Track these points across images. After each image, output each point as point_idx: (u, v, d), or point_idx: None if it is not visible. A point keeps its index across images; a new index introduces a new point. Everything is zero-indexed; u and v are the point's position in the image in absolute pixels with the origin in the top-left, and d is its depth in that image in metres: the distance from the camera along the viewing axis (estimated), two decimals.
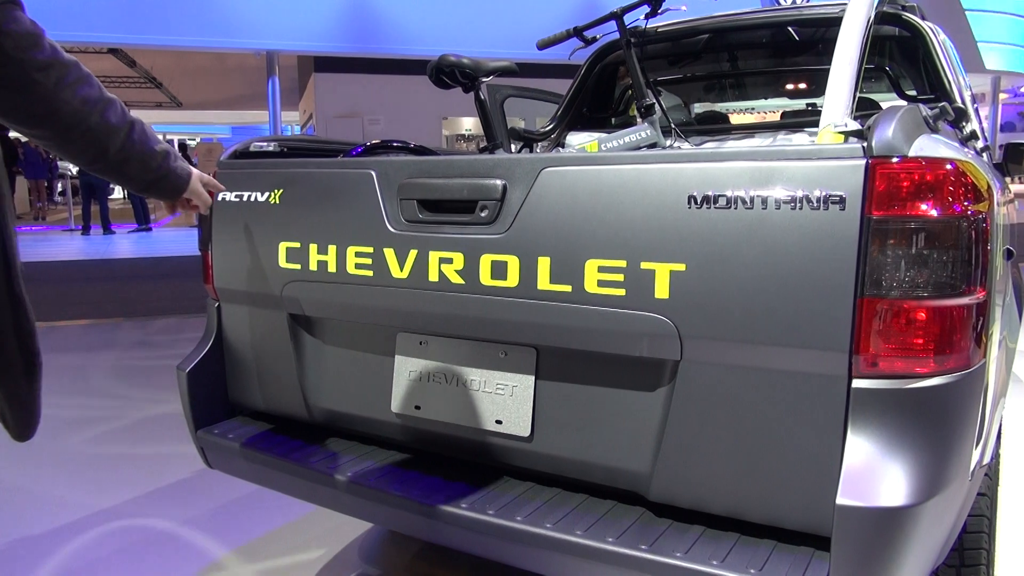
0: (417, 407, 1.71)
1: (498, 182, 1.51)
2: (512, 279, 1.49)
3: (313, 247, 1.77)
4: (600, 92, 3.52)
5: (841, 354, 1.22)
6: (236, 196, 1.93)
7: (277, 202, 1.84)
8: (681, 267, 1.32)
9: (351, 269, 1.71)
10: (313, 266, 1.77)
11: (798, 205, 1.23)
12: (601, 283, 1.40)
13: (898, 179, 1.18)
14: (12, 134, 15.67)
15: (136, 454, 3.28)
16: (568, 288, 1.43)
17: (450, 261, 1.56)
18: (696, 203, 1.31)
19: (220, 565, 2.37)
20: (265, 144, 2.07)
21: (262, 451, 1.84)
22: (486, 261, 1.51)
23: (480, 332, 1.58)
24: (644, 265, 1.35)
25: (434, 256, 1.58)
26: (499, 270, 1.50)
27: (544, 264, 1.45)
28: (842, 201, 1.20)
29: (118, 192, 15.63)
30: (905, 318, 1.21)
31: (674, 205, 1.33)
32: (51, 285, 7.72)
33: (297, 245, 1.80)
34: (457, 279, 1.55)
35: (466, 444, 1.68)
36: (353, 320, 1.79)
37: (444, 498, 1.56)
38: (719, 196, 1.29)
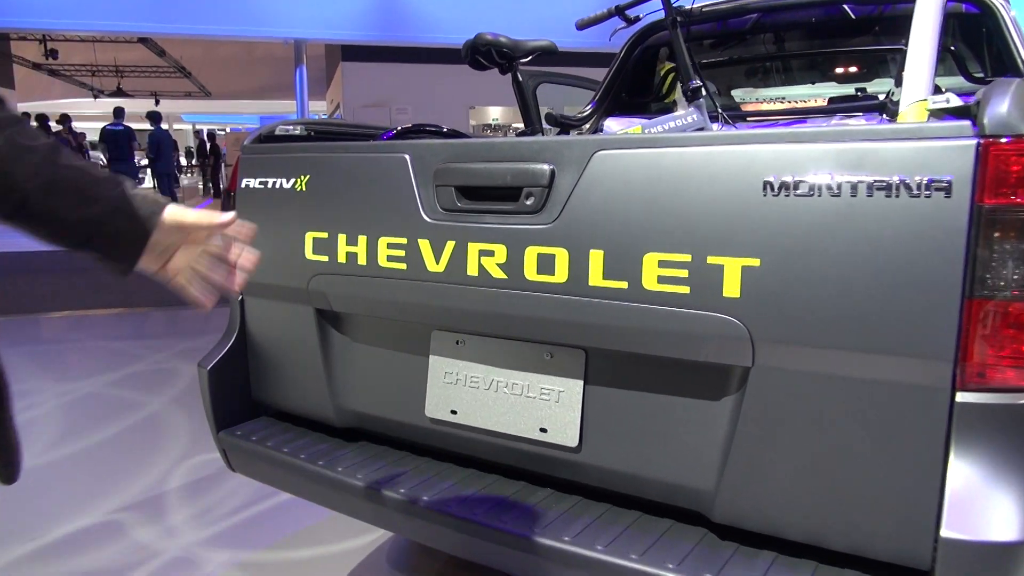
0: (453, 412, 1.58)
1: (545, 167, 1.37)
2: (560, 274, 1.35)
3: (342, 238, 1.64)
4: (640, 76, 3.35)
5: (944, 363, 1.06)
6: (260, 182, 1.81)
7: (303, 189, 1.72)
8: (754, 262, 1.17)
9: (382, 262, 1.58)
10: (341, 258, 1.64)
11: (894, 192, 1.07)
12: (662, 279, 1.25)
13: (1016, 162, 1.02)
14: (51, 125, 15.79)
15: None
16: (623, 285, 1.28)
17: (491, 254, 1.42)
18: (773, 190, 1.15)
19: (245, 564, 2.27)
20: (291, 128, 1.94)
21: (287, 455, 1.72)
22: (531, 254, 1.37)
23: (524, 332, 1.44)
24: (712, 260, 1.20)
25: (473, 248, 1.44)
26: (546, 264, 1.36)
27: (596, 258, 1.31)
28: (948, 187, 1.04)
29: (147, 183, 15.73)
30: (1020, 323, 1.04)
31: (747, 192, 1.18)
32: (81, 274, 7.74)
33: (324, 235, 1.67)
34: (499, 274, 1.41)
35: (506, 453, 1.54)
36: (384, 317, 1.66)
37: (482, 512, 1.43)
38: (800, 182, 1.13)
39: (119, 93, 22.39)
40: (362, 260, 1.61)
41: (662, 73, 3.42)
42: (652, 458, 1.36)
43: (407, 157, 1.55)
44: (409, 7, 13.83)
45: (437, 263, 1.50)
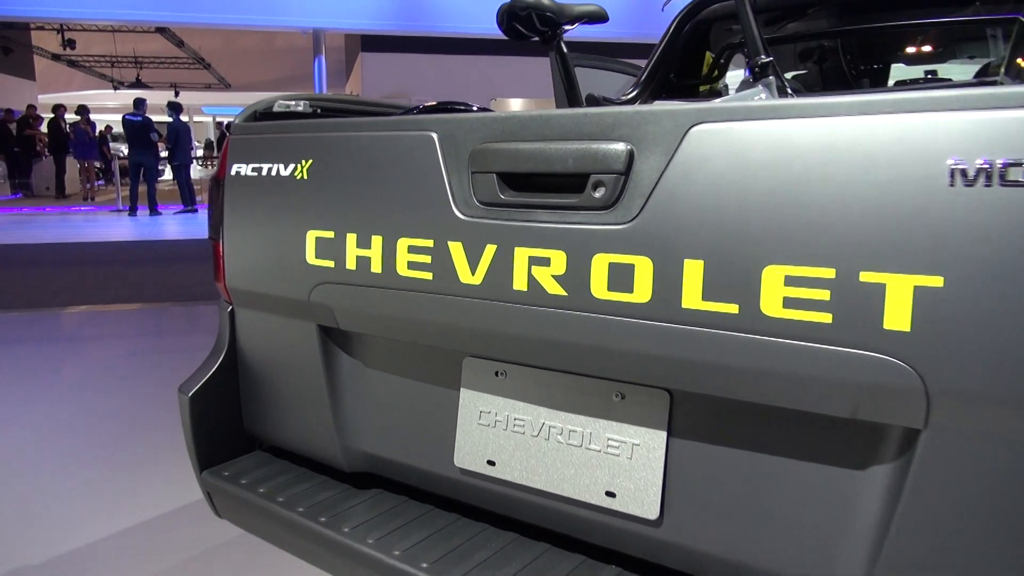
0: (491, 462, 1.24)
1: (621, 147, 1.02)
2: (641, 292, 1.00)
3: (351, 238, 1.30)
4: (689, 55, 2.98)
5: None
6: (254, 169, 1.47)
7: (305, 177, 1.38)
8: (934, 281, 0.81)
9: (402, 269, 1.23)
10: (350, 263, 1.30)
11: None
12: (790, 302, 0.89)
13: None
14: (68, 116, 15.64)
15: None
16: (732, 309, 0.93)
17: (545, 262, 1.07)
18: (966, 178, 0.79)
19: None
20: (292, 103, 1.60)
21: (282, 507, 1.39)
22: (601, 264, 1.02)
23: (587, 365, 1.09)
24: (866, 277, 0.85)
25: (522, 255, 1.10)
26: (621, 278, 1.01)
27: (693, 271, 0.95)
28: None
29: (168, 174, 15.55)
30: None
31: (924, 180, 0.82)
32: (103, 267, 7.49)
33: (330, 235, 1.33)
34: (555, 288, 1.07)
35: (560, 519, 1.20)
36: (403, 339, 1.32)
37: None
38: (1013, 165, 0.77)
39: (138, 84, 22.27)
40: (376, 267, 1.27)
41: (717, 51, 3.06)
42: (761, 542, 1.01)
43: (434, 136, 1.20)
44: None
45: (473, 273, 1.15)
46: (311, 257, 1.37)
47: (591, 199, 1.04)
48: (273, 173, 1.43)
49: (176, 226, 11.46)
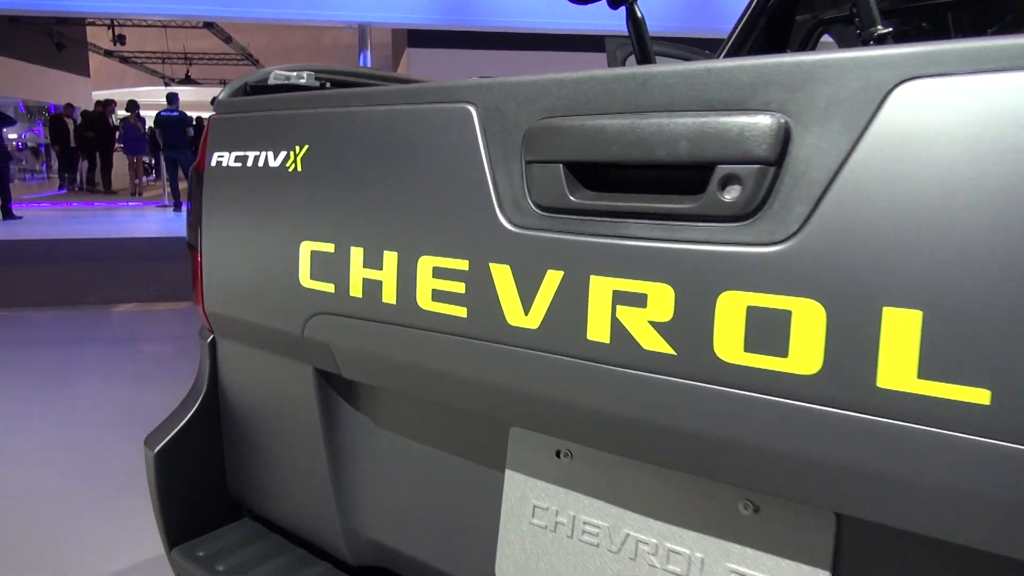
0: None
1: (768, 120, 0.63)
2: (802, 357, 0.61)
3: (355, 254, 0.93)
4: (774, 33, 2.56)
5: None
6: (238, 158, 1.12)
7: (298, 168, 1.02)
8: None
9: (424, 301, 0.86)
10: (355, 289, 0.94)
11: None
12: None
13: None
14: (120, 112, 15.74)
15: None
16: (978, 396, 0.54)
17: (640, 301, 0.69)
18: None
19: None
20: (294, 73, 1.24)
21: None
22: (732, 308, 0.64)
23: (701, 460, 0.71)
24: None
25: (602, 288, 0.71)
26: (767, 332, 0.62)
27: (901, 327, 0.56)
28: None
29: None
30: None
31: None
32: (146, 263, 7.34)
33: (329, 248, 0.97)
34: (655, 342, 0.68)
35: None
36: (428, 397, 0.94)
37: None
38: None
39: (188, 80, 22.45)
40: (389, 295, 0.90)
41: (806, 27, 2.63)
42: None
43: (472, 110, 0.83)
44: None
45: (526, 311, 0.77)
46: (305, 277, 1.01)
47: (718, 204, 0.65)
48: (260, 163, 1.07)
49: None
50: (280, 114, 1.06)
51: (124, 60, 22.30)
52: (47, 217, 11.72)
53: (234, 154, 1.12)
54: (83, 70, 20.99)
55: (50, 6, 13.33)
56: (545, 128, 0.76)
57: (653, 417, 0.69)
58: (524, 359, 0.78)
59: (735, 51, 2.49)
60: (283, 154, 1.04)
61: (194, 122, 11.92)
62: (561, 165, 0.75)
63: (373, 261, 0.92)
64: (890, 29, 1.75)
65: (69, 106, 15.59)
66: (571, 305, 0.74)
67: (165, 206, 13.39)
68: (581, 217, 0.74)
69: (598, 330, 0.72)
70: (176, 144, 11.88)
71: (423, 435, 1.01)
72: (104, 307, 5.37)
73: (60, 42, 17.88)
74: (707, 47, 2.59)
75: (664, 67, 0.70)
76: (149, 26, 17.84)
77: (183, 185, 12.05)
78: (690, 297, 0.66)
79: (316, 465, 1.09)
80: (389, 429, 1.04)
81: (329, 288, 0.98)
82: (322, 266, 0.98)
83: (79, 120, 15.75)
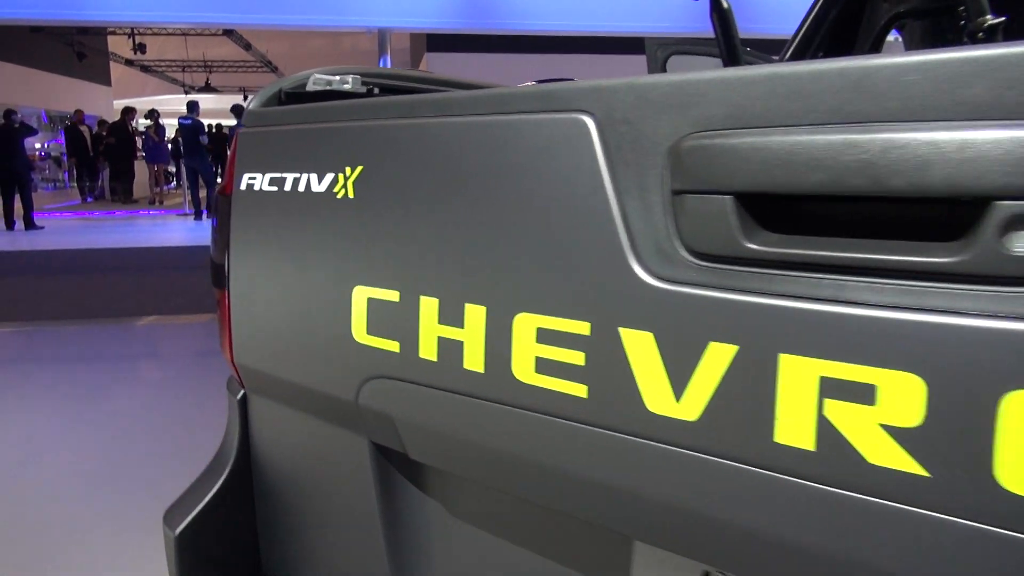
0: None
1: None
2: None
3: (428, 305, 0.73)
4: (843, 30, 2.33)
5: None
6: (273, 181, 0.92)
7: (350, 195, 0.81)
8: None
9: (526, 372, 0.66)
10: (427, 350, 0.73)
11: None
12: None
13: None
14: (141, 120, 15.75)
15: None
16: None
17: (864, 396, 0.48)
18: None
19: None
20: (336, 78, 1.04)
21: None
22: None
23: None
24: None
25: (801, 372, 0.50)
26: None
27: None
28: None
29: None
30: None
31: None
32: (167, 272, 7.21)
33: (391, 297, 0.76)
34: (892, 456, 0.47)
35: None
36: (523, 494, 0.73)
37: None
38: None
39: (208, 88, 22.48)
40: (474, 360, 0.69)
41: (878, 22, 2.40)
42: None
43: (588, 121, 0.62)
44: None
45: (677, 395, 0.56)
46: (360, 331, 0.80)
47: (999, 258, 0.44)
48: (300, 188, 0.87)
49: None
50: (325, 127, 0.86)
51: (145, 69, 22.39)
52: (68, 227, 11.69)
53: (268, 176, 0.92)
54: (104, 79, 21.06)
55: (71, 16, 13.34)
56: (702, 147, 0.55)
57: (887, 565, 0.48)
58: (671, 460, 0.57)
59: (803, 49, 2.26)
60: (329, 177, 0.84)
61: (207, 129, 11.86)
62: (730, 197, 0.54)
63: (452, 316, 0.71)
64: (1002, 19, 1.53)
65: (80, 112, 15.57)
66: (749, 393, 0.53)
67: (186, 214, 13.34)
68: (762, 270, 0.53)
69: (793, 431, 0.51)
70: (191, 152, 11.83)
71: (511, 533, 0.80)
72: (125, 320, 5.23)
73: (81, 52, 17.93)
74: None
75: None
76: (169, 35, 17.87)
77: (203, 193, 11.98)
78: (952, 395, 0.45)
79: (372, 553, 0.88)
80: (466, 520, 0.84)
81: (392, 346, 0.77)
82: (383, 318, 0.78)
83: (94, 128, 15.75)
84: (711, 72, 0.57)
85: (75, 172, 15.95)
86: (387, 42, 14.46)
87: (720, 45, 1.46)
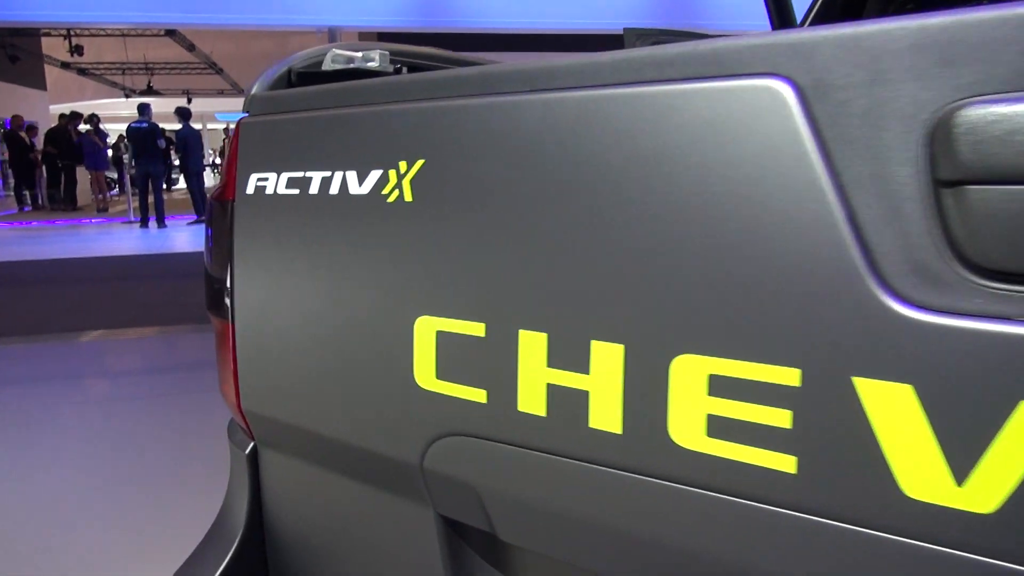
0: None
1: None
2: None
3: (531, 342, 0.54)
4: (852, 9, 2.21)
5: None
6: (292, 183, 0.72)
7: (405, 197, 0.62)
8: None
9: (687, 435, 0.48)
10: (530, 401, 0.55)
11: None
12: None
13: None
14: (82, 126, 15.13)
15: None
16: None
17: None
18: None
19: None
20: (357, 55, 0.84)
21: None
22: None
23: None
24: None
25: None
26: None
27: None
28: None
29: (181, 183, 15.05)
30: None
31: None
32: (114, 283, 6.82)
33: (473, 330, 0.58)
34: None
35: None
36: None
37: None
38: None
39: (150, 91, 21.72)
40: (605, 417, 0.51)
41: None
42: None
43: (786, 89, 0.44)
44: None
45: (959, 477, 0.39)
46: (426, 374, 0.61)
47: None
48: (333, 189, 0.68)
49: (189, 237, 10.80)
50: (367, 112, 0.67)
51: (82, 72, 21.54)
52: (5, 237, 11.10)
53: (286, 176, 0.72)
54: (39, 83, 20.16)
55: (2, 17, 12.70)
56: (992, 117, 0.38)
57: None
58: (953, 567, 0.40)
59: (824, 13, 2.12)
60: (375, 175, 0.65)
61: (165, 133, 11.40)
62: None
63: (570, 356, 0.53)
64: None
65: (18, 118, 14.89)
66: None
67: (131, 222, 12.82)
68: None
69: None
70: (148, 157, 11.33)
71: None
72: (69, 336, 4.88)
73: (13, 54, 17.13)
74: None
75: None
76: (108, 35, 17.21)
77: (151, 199, 11.49)
78: None
79: None
80: None
81: (475, 395, 0.59)
82: (461, 358, 0.59)
83: (36, 133, 15.08)
84: (990, 9, 0.39)
85: (12, 181, 15.24)
86: (337, 42, 14.10)
87: (769, 13, 1.30)
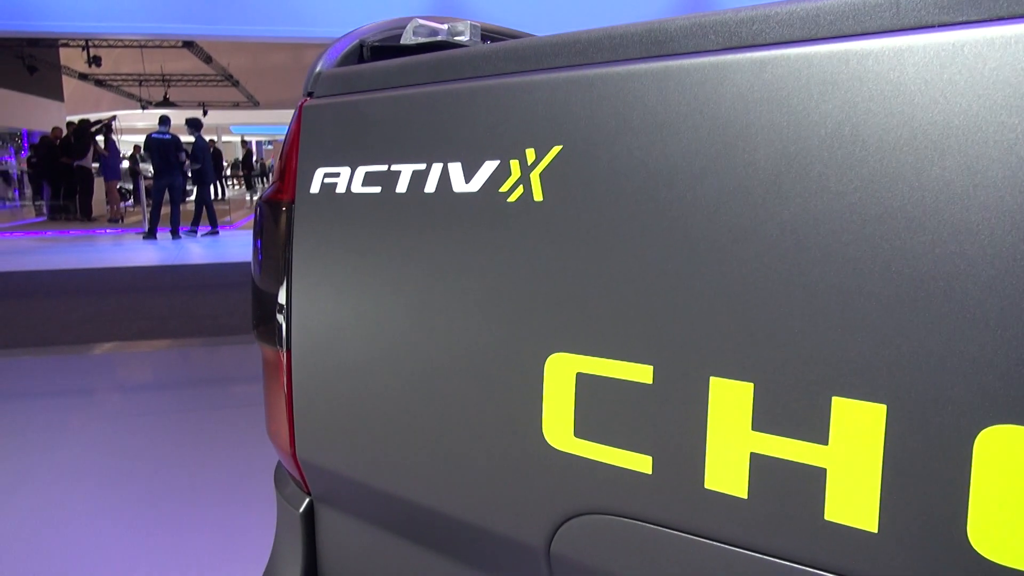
0: None
1: None
2: None
3: (725, 394, 0.39)
4: None
5: None
6: (373, 180, 0.57)
7: (534, 197, 0.47)
8: None
9: (993, 540, 0.32)
10: (722, 477, 0.40)
11: None
12: None
13: None
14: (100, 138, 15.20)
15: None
16: None
17: None
18: None
19: None
20: (442, 27, 0.69)
21: None
22: None
23: None
24: None
25: None
26: None
27: None
28: None
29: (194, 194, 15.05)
30: None
31: None
32: (128, 295, 6.72)
33: (637, 375, 0.42)
34: None
35: None
36: None
37: None
38: None
39: (166, 103, 21.80)
40: (848, 506, 0.35)
41: None
42: None
43: None
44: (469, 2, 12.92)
45: None
46: (560, 432, 0.46)
47: None
48: (430, 187, 0.53)
49: (206, 249, 10.73)
50: (480, 87, 0.52)
51: (99, 83, 21.66)
52: (23, 247, 11.08)
53: (363, 170, 0.57)
54: (57, 94, 20.24)
55: (21, 27, 12.78)
56: None
57: None
58: None
59: None
60: (490, 167, 0.50)
61: (185, 147, 11.33)
62: None
63: (790, 415, 0.37)
64: None
65: (57, 129, 14.99)
66: None
67: (143, 233, 12.78)
68: None
69: None
70: (168, 169, 11.25)
71: None
72: (82, 348, 4.77)
73: (32, 65, 17.23)
74: None
75: None
76: (125, 47, 17.30)
77: (166, 210, 11.42)
78: None
79: None
80: None
81: (634, 463, 0.43)
82: (614, 412, 0.44)
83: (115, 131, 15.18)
84: None
85: (31, 190, 15.30)
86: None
87: None
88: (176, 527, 2.00)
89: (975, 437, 0.33)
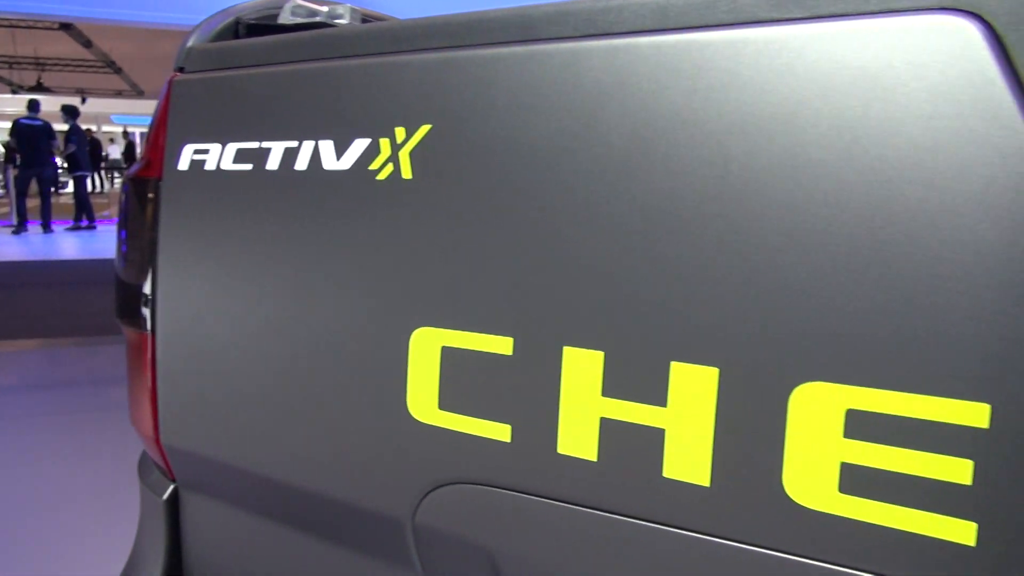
0: None
1: None
2: None
3: (579, 362, 0.41)
4: None
5: None
6: (244, 157, 0.56)
7: (403, 175, 0.48)
8: None
9: (808, 491, 0.35)
10: (575, 442, 0.42)
11: None
12: None
13: None
14: None
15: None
16: None
17: None
18: None
19: None
20: (322, 8, 0.69)
21: None
22: None
23: None
24: None
25: None
26: None
27: None
28: None
29: (71, 186, 14.13)
30: None
31: None
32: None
33: (498, 347, 0.44)
34: None
35: None
36: None
37: None
38: None
39: (40, 88, 20.39)
40: (684, 465, 0.38)
41: None
42: None
43: (974, 29, 0.33)
44: None
45: None
46: (424, 404, 0.47)
47: None
48: (300, 164, 0.53)
49: (81, 243, 10.09)
50: (353, 65, 0.52)
51: None
52: None
53: (234, 147, 0.57)
54: None
55: None
56: None
57: None
58: None
59: None
60: (361, 145, 0.50)
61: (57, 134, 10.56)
62: None
63: (635, 381, 0.40)
64: None
65: None
66: None
67: (12, 226, 11.89)
68: None
69: None
70: (39, 160, 10.40)
71: None
72: None
73: None
74: None
75: None
76: None
77: (31, 203, 10.65)
78: None
79: None
80: None
81: (494, 432, 0.45)
82: (476, 383, 0.45)
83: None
84: None
85: None
86: None
87: None
88: (41, 535, 1.88)
89: (790, 394, 0.36)
